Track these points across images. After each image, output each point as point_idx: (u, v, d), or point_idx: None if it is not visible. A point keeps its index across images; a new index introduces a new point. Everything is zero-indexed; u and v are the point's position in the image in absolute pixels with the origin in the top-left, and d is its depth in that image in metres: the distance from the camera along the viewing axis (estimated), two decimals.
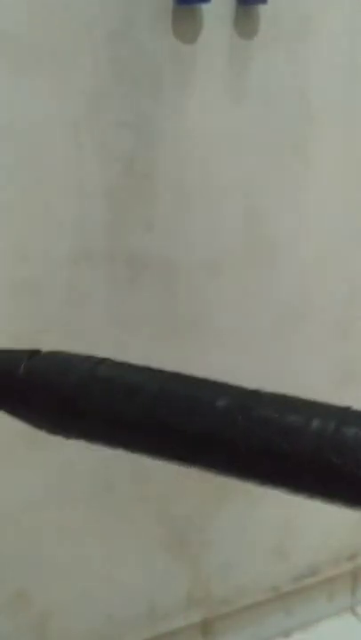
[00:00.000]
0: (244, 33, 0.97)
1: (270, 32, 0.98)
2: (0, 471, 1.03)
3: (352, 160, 1.13)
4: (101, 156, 0.93)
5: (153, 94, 0.94)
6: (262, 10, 0.97)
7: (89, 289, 0.99)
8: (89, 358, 0.43)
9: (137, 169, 0.96)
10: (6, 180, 0.90)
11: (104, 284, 1.00)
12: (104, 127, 0.92)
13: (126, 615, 1.22)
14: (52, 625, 1.15)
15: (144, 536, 1.19)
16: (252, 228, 1.08)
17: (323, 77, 1.05)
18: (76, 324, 0.99)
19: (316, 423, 0.34)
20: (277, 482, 0.36)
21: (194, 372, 0.44)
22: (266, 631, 1.37)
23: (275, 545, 1.33)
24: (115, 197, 0.96)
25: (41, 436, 1.08)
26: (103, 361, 0.42)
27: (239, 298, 1.11)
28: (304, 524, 1.34)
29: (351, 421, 0.34)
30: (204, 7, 0.93)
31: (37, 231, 0.93)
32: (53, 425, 0.42)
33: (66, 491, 1.08)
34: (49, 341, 0.98)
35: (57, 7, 0.86)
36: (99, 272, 0.99)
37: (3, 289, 0.94)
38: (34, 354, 0.44)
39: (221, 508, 1.23)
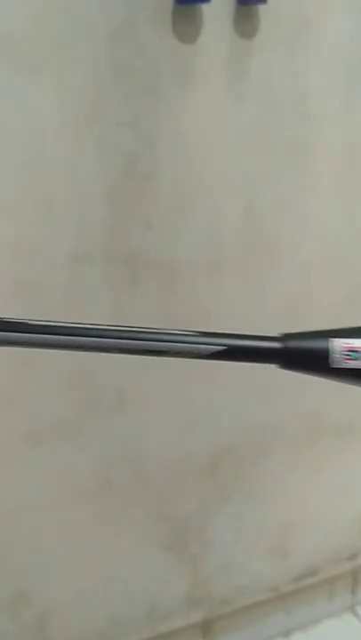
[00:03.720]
0: (244, 33, 0.97)
1: (270, 32, 0.99)
2: (0, 471, 1.03)
3: (352, 160, 1.13)
4: (101, 155, 0.93)
5: (153, 94, 0.94)
6: (262, 10, 0.97)
7: (89, 289, 0.99)
8: None
9: (137, 169, 0.96)
10: (7, 179, 0.90)
11: (104, 284, 1.00)
12: (104, 127, 0.92)
13: (126, 615, 1.22)
14: (52, 625, 1.15)
15: (144, 536, 1.19)
16: (252, 227, 1.08)
17: (323, 77, 1.05)
18: None
19: None
20: None
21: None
22: (266, 631, 1.38)
23: (275, 545, 1.33)
24: (115, 197, 0.96)
25: (41, 435, 1.08)
26: None
27: (239, 297, 1.10)
28: (304, 524, 1.34)
29: None
30: (204, 7, 0.93)
31: (37, 231, 0.93)
32: None
33: (66, 491, 1.08)
34: None
35: (57, 8, 0.86)
36: (99, 272, 0.99)
37: (3, 289, 0.94)
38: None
39: (221, 508, 1.24)
